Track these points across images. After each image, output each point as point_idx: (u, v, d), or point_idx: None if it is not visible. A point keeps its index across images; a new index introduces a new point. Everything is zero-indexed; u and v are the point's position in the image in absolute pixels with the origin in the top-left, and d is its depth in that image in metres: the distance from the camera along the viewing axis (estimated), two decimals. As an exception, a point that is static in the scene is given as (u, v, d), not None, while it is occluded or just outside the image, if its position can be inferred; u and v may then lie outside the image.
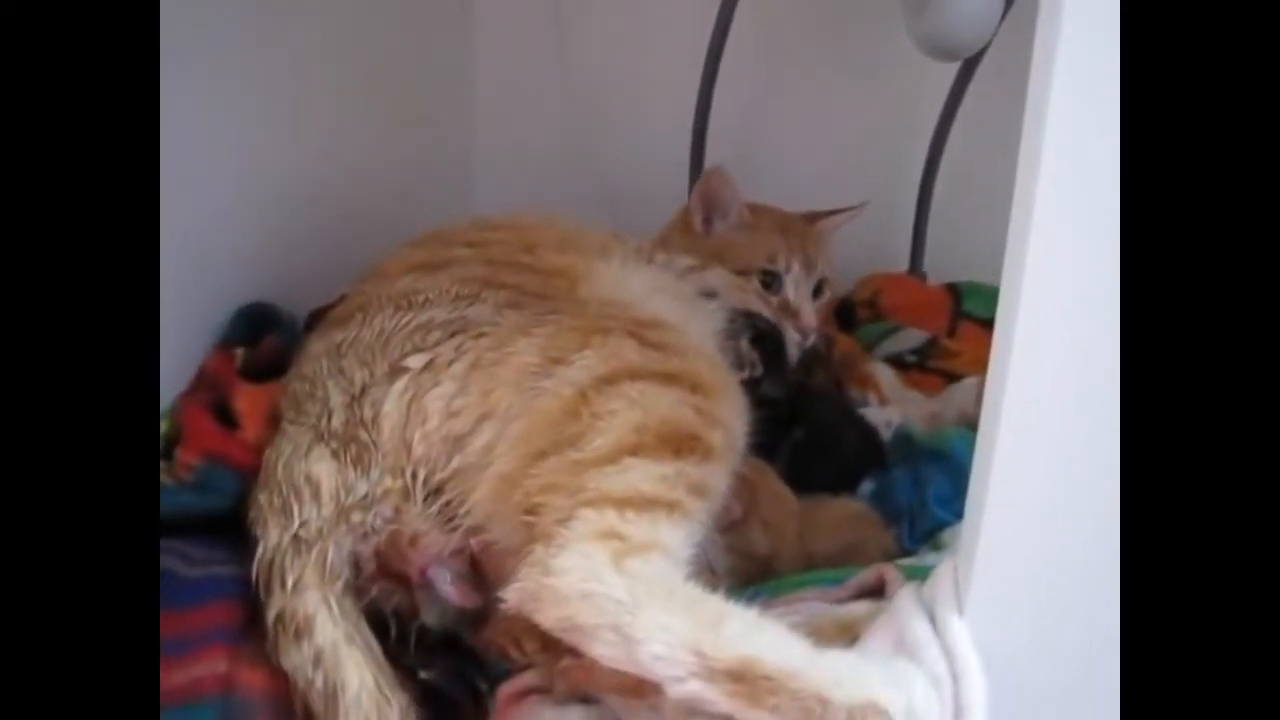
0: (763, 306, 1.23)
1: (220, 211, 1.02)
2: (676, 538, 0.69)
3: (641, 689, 0.67)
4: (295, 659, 0.69)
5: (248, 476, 0.83)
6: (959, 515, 0.68)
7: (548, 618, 0.63)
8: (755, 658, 0.57)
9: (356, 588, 0.75)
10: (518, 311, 0.83)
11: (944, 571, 0.62)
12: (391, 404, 0.78)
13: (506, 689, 0.77)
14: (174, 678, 0.70)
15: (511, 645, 0.76)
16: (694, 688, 0.58)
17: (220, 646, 0.72)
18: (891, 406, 1.22)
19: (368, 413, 0.78)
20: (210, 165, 0.98)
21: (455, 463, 0.76)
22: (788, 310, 1.25)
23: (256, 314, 1.05)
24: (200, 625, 0.73)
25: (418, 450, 0.77)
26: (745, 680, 0.57)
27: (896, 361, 1.38)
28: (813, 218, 1.37)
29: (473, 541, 0.76)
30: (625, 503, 0.69)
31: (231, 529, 0.80)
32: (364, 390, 0.79)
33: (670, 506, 0.70)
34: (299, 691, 0.69)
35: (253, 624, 0.74)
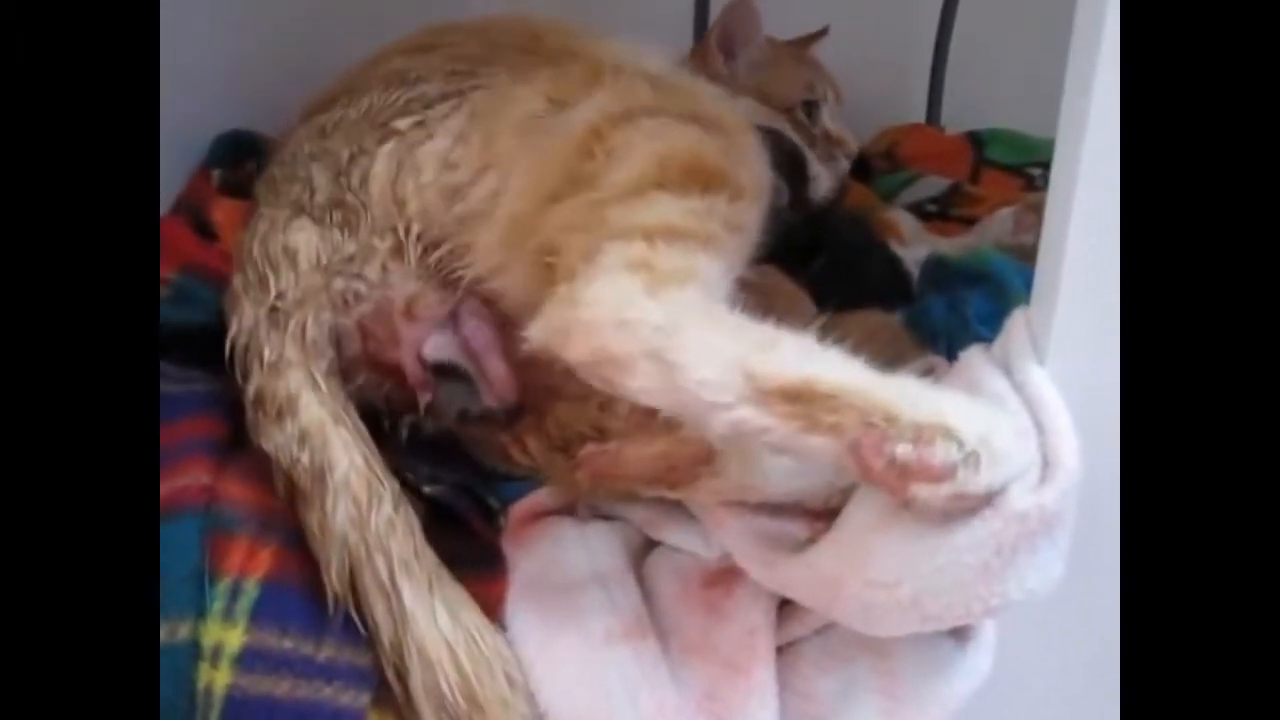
0: (801, 137, 1.16)
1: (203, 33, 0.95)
2: (714, 270, 0.62)
3: (673, 476, 0.60)
4: (277, 439, 0.63)
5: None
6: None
7: (577, 351, 0.56)
8: (814, 377, 0.50)
9: (342, 371, 0.68)
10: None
11: (1015, 324, 0.55)
12: (380, 164, 0.70)
13: (520, 508, 0.70)
14: (154, 489, 0.63)
15: (514, 445, 0.69)
16: (743, 414, 0.51)
17: (201, 458, 0.65)
18: (918, 245, 1.15)
19: (355, 180, 0.70)
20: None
21: (457, 210, 0.69)
22: (830, 138, 1.19)
23: (237, 140, 0.98)
24: (180, 438, 0.66)
25: (411, 206, 0.69)
26: (803, 400, 0.50)
27: (916, 211, 1.30)
28: (801, 45, 1.29)
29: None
30: (655, 233, 0.61)
31: (211, 348, 0.73)
32: (351, 160, 0.71)
33: (705, 239, 0.63)
34: (282, 470, 0.62)
35: (236, 443, 0.68)
